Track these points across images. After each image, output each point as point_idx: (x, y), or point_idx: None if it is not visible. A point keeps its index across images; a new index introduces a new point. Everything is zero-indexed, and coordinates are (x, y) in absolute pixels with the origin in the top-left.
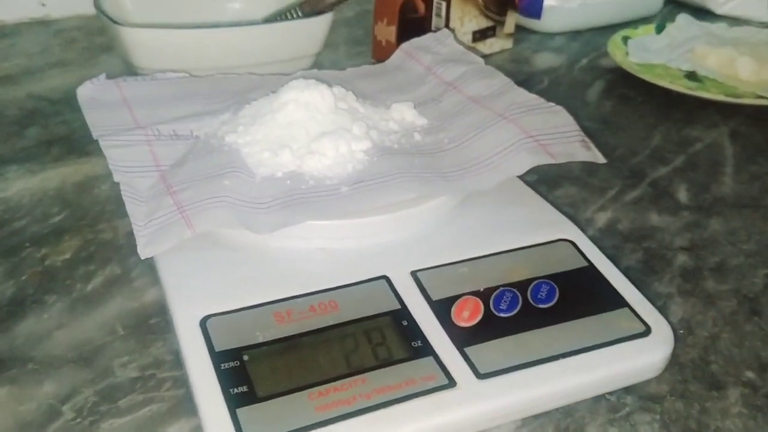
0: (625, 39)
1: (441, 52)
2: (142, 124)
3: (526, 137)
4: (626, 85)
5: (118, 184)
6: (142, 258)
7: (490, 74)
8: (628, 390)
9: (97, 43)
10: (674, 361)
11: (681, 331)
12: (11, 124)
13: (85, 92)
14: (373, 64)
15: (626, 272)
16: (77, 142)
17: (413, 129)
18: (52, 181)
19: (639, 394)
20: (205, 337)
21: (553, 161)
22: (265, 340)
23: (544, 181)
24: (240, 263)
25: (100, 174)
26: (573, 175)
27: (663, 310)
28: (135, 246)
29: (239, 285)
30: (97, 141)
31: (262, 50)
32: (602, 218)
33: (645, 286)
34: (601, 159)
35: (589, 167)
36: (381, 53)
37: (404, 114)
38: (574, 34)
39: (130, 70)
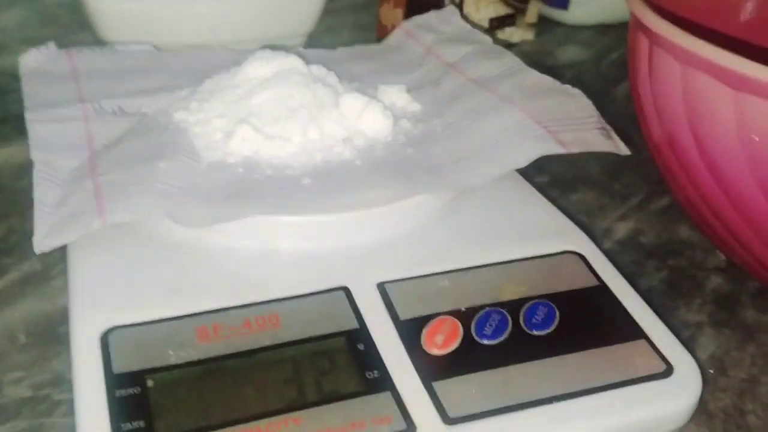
0: None
1: (445, 31)
2: (85, 99)
3: (533, 123)
4: None
5: None
6: (37, 252)
7: (497, 54)
8: None
9: (78, 21)
10: (701, 409)
11: (711, 371)
12: None
13: (29, 62)
14: None
15: (647, 295)
16: None
17: (403, 115)
18: None
19: None
20: (103, 355)
21: (563, 151)
22: (178, 362)
23: (558, 184)
24: (169, 264)
25: None
26: (592, 179)
27: (690, 344)
28: None
29: (161, 291)
30: None
31: (245, 26)
32: (622, 229)
33: (669, 313)
34: (624, 150)
35: (611, 170)
36: None
37: (394, 98)
38: (605, 28)
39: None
